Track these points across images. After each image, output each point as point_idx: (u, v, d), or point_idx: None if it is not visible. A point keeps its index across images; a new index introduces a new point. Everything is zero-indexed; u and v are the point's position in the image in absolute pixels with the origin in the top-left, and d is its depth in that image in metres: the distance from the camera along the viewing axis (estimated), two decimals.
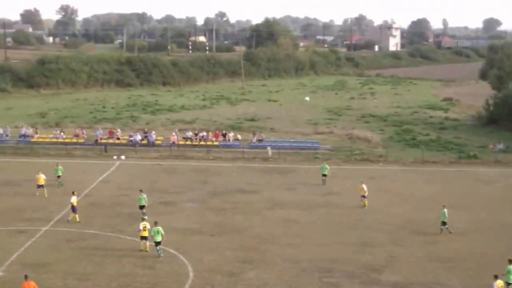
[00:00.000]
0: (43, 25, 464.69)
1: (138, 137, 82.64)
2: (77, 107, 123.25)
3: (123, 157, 75.15)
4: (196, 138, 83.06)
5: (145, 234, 42.27)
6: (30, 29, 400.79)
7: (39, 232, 46.14)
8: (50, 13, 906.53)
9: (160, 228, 41.97)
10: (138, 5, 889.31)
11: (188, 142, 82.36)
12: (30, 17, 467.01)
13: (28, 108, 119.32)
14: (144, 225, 42.48)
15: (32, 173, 60.16)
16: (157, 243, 41.69)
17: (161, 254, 41.52)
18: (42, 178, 57.40)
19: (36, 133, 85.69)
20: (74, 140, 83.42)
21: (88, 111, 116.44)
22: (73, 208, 49.11)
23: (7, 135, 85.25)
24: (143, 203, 50.28)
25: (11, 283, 36.36)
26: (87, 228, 47.01)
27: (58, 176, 60.19)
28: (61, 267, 39.25)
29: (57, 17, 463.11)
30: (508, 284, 35.68)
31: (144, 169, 69.76)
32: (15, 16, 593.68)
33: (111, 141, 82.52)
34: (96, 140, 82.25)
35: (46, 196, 56.39)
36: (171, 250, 42.67)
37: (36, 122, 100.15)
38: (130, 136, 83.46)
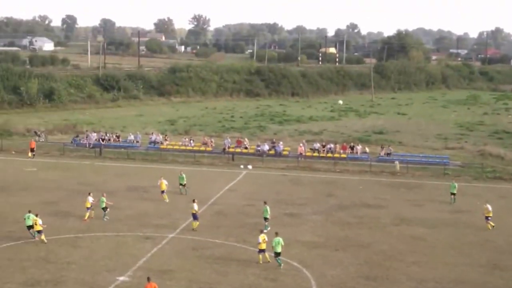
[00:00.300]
0: (175, 34, 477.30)
1: (266, 147, 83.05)
2: (206, 115, 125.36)
3: (250, 166, 75.66)
4: (324, 150, 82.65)
5: (263, 247, 42.05)
6: (163, 38, 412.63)
7: (165, 239, 46.90)
8: (183, 23, 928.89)
9: (280, 239, 41.85)
10: (269, 15, 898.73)
11: (315, 154, 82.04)
12: (163, 26, 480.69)
13: (158, 115, 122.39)
14: (263, 238, 42.29)
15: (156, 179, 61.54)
16: (277, 254, 41.57)
17: (281, 265, 41.33)
18: (164, 183, 58.61)
19: (166, 140, 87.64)
20: (202, 148, 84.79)
21: (217, 120, 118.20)
22: (194, 216, 49.70)
23: (137, 141, 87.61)
24: (267, 215, 50.20)
25: None
26: (212, 237, 47.39)
27: (182, 184, 61.05)
28: (185, 274, 39.68)
29: (190, 26, 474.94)
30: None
31: (271, 179, 69.91)
32: (149, 25, 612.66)
33: (238, 150, 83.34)
34: (224, 149, 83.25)
35: (167, 201, 57.64)
36: (295, 263, 42.36)
37: (166, 129, 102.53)
38: (258, 145, 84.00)
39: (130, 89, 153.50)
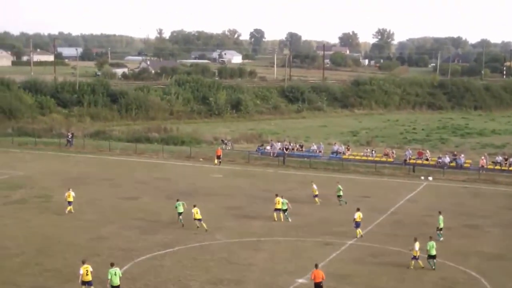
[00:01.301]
0: (360, 48, 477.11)
1: (447, 159, 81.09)
2: (388, 127, 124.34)
3: (430, 178, 74.14)
4: (506, 163, 79.46)
5: (416, 253, 41.69)
6: (347, 52, 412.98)
7: (344, 246, 46.92)
8: (367, 37, 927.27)
9: (433, 243, 41.70)
10: (454, 29, 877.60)
11: (497, 167, 79.06)
12: (348, 40, 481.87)
13: (341, 127, 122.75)
14: (419, 245, 41.92)
15: (342, 189, 61.67)
16: (431, 257, 41.52)
17: (434, 267, 41.32)
18: (314, 188, 60.29)
19: (348, 150, 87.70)
20: (384, 159, 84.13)
21: (399, 131, 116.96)
22: (357, 224, 49.32)
23: (320, 151, 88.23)
24: (441, 225, 48.94)
25: None
26: (390, 245, 46.88)
27: (339, 196, 60.53)
28: (362, 280, 39.51)
29: (374, 40, 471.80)
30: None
31: (451, 191, 68.17)
32: (334, 39, 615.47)
33: (419, 161, 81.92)
34: (405, 160, 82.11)
35: (318, 204, 59.14)
36: (473, 273, 41.07)
37: (348, 140, 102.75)
38: (439, 157, 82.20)
39: (314, 101, 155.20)
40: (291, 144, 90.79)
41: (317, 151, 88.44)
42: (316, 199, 60.38)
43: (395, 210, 58.74)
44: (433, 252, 41.67)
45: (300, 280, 38.66)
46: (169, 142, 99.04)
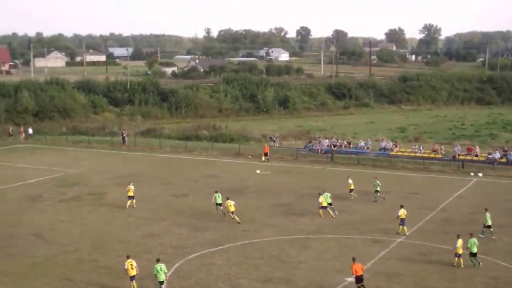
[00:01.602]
0: (406, 43, 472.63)
1: (497, 155, 79.58)
2: (436, 123, 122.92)
3: (480, 174, 72.88)
4: None
5: (459, 251, 41.07)
6: (394, 48, 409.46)
7: (393, 243, 46.29)
8: (413, 32, 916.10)
9: (475, 240, 41.08)
10: (502, 23, 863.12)
11: None
12: (394, 36, 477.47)
13: (389, 123, 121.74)
14: (461, 242, 41.19)
15: (390, 185, 61.02)
16: (473, 254, 40.81)
17: (479, 263, 40.89)
18: (350, 183, 60.33)
19: (396, 146, 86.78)
20: (432, 155, 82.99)
21: (447, 127, 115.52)
22: (402, 221, 48.63)
23: (367, 148, 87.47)
24: (488, 222, 47.90)
25: None
26: (440, 242, 46.07)
27: (376, 191, 59.78)
28: (412, 279, 38.87)
29: (420, 36, 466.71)
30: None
31: (501, 187, 66.80)
32: (380, 35, 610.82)
33: (468, 157, 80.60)
34: (454, 156, 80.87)
35: (352, 198, 59.34)
36: None
37: (396, 136, 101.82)
38: (489, 153, 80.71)
39: (361, 97, 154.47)
40: (339, 141, 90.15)
41: (365, 148, 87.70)
42: (351, 193, 60.27)
43: (444, 207, 57.80)
44: (475, 250, 40.84)
45: (349, 279, 38.17)
46: (218, 140, 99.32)
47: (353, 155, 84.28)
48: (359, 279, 36.01)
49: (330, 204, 54.21)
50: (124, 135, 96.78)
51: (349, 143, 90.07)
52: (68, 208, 57.09)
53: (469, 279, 38.93)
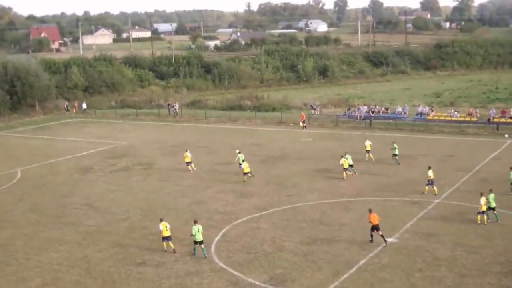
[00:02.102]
0: (440, 11, 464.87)
1: None
2: (470, 87, 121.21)
3: None
4: None
5: (484, 209, 41.11)
6: (429, 16, 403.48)
7: (431, 204, 45.79)
8: (447, 0, 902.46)
9: (493, 195, 41.54)
10: None
11: None
12: (428, 4, 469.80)
13: (424, 89, 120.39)
14: (484, 200, 41.18)
15: (426, 148, 60.22)
16: (491, 209, 41.21)
17: (497, 219, 41.15)
18: (368, 144, 60.73)
19: (432, 111, 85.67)
20: (467, 118, 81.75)
21: (481, 91, 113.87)
22: (431, 181, 48.03)
23: (405, 113, 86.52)
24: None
25: (404, 249, 36.64)
26: (476, 203, 45.11)
27: (395, 155, 59.01)
28: (449, 238, 38.44)
29: (454, 3, 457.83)
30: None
31: None
32: (415, 4, 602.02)
33: (503, 120, 79.27)
34: (489, 119, 79.59)
35: (367, 160, 59.97)
36: None
37: (432, 101, 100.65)
38: None
39: (398, 65, 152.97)
40: (377, 107, 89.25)
41: (402, 113, 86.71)
42: (368, 154, 60.51)
43: (480, 168, 56.97)
44: (493, 204, 41.18)
45: (390, 239, 37.91)
46: (261, 109, 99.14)
47: (390, 120, 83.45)
48: (375, 228, 37.44)
49: (351, 165, 54.82)
50: (175, 107, 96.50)
51: (386, 109, 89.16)
52: (118, 178, 57.57)
53: (507, 237, 38.35)
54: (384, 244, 37.12)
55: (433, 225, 41.01)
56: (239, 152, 57.05)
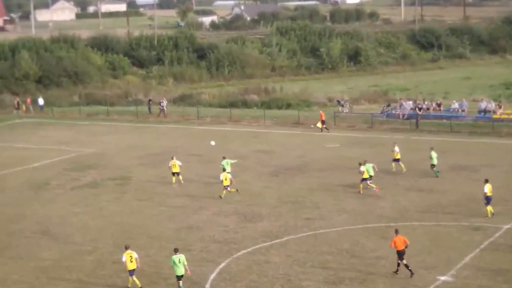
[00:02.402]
0: None
1: None
2: None
3: None
4: None
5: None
6: None
7: (499, 231, 45.63)
8: None
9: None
10: None
11: None
12: None
13: (490, 78, 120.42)
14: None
15: (491, 157, 60.12)
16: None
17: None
18: (395, 151, 61.09)
19: (500, 108, 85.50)
20: None
21: None
22: (487, 199, 47.87)
23: (463, 110, 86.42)
24: None
25: None
26: None
27: (432, 165, 59.10)
28: None
29: None
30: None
31: None
32: None
33: None
34: None
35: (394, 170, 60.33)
36: None
37: (500, 94, 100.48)
38: None
39: (454, 47, 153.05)
40: (426, 103, 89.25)
41: (460, 110, 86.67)
42: (394, 164, 61.16)
43: None
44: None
45: (443, 278, 37.90)
46: (272, 106, 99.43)
47: (444, 120, 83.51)
48: (399, 254, 38.19)
49: (371, 176, 55.23)
50: (163, 104, 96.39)
51: (438, 105, 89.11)
52: (83, 197, 57.68)
53: None
54: (410, 275, 37.76)
55: (502, 259, 40.86)
56: (224, 158, 57.75)
